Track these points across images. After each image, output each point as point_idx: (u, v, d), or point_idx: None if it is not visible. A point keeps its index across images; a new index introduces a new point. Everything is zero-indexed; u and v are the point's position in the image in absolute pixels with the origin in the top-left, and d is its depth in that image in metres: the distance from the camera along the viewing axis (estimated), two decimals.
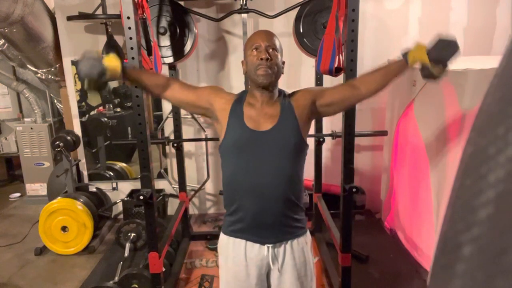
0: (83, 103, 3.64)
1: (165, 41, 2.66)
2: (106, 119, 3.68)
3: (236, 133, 1.45)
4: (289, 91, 1.61)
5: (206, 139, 3.36)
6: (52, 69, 3.62)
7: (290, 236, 1.49)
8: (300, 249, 1.51)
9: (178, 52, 2.69)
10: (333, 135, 2.94)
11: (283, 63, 1.52)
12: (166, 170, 3.69)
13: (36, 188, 4.21)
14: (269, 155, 1.43)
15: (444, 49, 1.34)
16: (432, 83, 1.40)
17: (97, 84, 1.39)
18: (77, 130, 3.63)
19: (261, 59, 1.42)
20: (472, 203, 0.21)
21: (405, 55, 1.44)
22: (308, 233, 1.57)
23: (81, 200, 3.20)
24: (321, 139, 3.02)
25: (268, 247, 1.47)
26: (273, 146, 1.43)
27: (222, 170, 1.53)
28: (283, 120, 1.46)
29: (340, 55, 2.02)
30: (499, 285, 0.18)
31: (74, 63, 3.51)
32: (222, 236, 1.55)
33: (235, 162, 1.46)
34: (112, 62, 1.40)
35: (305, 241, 1.54)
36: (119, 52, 3.01)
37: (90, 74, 1.35)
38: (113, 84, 3.70)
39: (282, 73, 1.51)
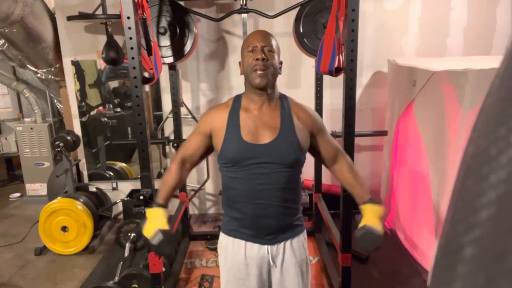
0: (83, 103, 3.64)
1: (165, 41, 2.66)
2: (106, 119, 3.68)
3: (234, 147, 1.43)
4: (289, 91, 1.60)
5: None
6: (52, 69, 3.62)
7: (290, 234, 1.51)
8: (300, 246, 1.53)
9: (178, 52, 2.69)
10: (333, 135, 2.93)
11: (281, 63, 1.51)
12: (166, 170, 3.69)
13: (36, 188, 4.21)
14: (267, 167, 1.41)
15: (368, 241, 1.42)
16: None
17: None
18: (77, 130, 3.63)
19: (257, 59, 1.41)
20: (473, 204, 0.21)
21: (369, 201, 1.48)
22: (305, 230, 1.59)
23: (81, 200, 3.20)
24: None
25: (268, 246, 1.48)
26: (271, 159, 1.41)
27: (221, 176, 1.53)
28: (283, 134, 1.44)
29: (340, 55, 2.02)
30: (501, 287, 0.18)
31: (74, 63, 3.51)
32: (222, 236, 1.56)
33: (232, 173, 1.46)
34: (160, 221, 1.52)
35: (304, 238, 1.56)
36: (119, 56, 2.99)
37: (172, 249, 1.53)
38: (113, 84, 3.70)
39: (280, 74, 1.50)
